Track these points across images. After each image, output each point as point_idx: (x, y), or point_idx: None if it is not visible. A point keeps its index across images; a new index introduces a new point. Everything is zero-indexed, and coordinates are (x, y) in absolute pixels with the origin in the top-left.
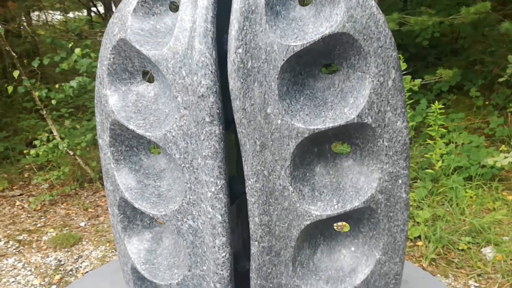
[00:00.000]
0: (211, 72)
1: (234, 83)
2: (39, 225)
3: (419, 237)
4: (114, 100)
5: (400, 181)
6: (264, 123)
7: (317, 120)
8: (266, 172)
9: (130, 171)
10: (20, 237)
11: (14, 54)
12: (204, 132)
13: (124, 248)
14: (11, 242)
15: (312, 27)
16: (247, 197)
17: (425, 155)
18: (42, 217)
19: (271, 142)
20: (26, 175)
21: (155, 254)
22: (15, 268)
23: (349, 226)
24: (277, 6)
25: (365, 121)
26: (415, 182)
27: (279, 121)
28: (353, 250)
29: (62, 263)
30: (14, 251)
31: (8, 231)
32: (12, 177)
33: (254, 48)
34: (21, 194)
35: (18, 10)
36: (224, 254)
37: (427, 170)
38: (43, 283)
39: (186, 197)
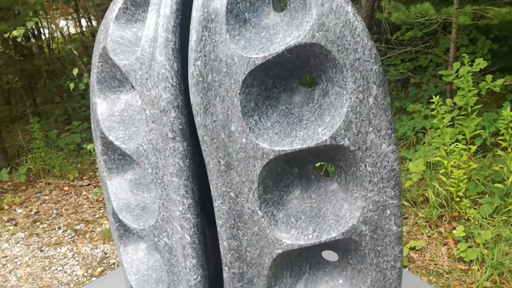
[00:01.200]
0: (172, 85)
1: (194, 98)
2: (97, 216)
3: (476, 260)
4: (102, 109)
5: (388, 211)
6: (228, 142)
7: (285, 140)
8: (233, 194)
9: (122, 180)
10: (78, 227)
11: (76, 53)
12: (168, 148)
13: (120, 256)
14: (68, 231)
15: (282, 37)
16: (216, 220)
17: (496, 167)
18: (101, 208)
19: (237, 162)
20: (96, 166)
21: (146, 266)
22: (65, 257)
23: (338, 256)
24: (246, 13)
25: (341, 143)
26: (482, 197)
27: (243, 140)
28: (341, 282)
29: (107, 256)
30: (69, 240)
31: (69, 220)
32: (84, 167)
33: (214, 60)
34: (88, 185)
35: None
36: (195, 276)
37: (496, 185)
38: (85, 274)
39: (160, 214)
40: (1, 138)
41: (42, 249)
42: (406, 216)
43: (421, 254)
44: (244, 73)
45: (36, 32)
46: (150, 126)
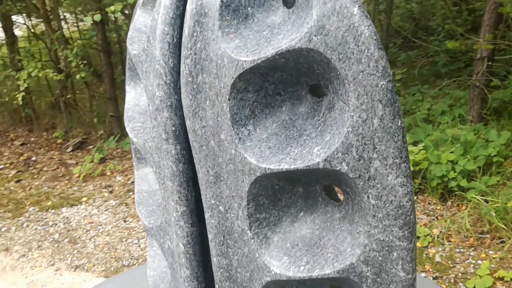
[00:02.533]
0: (165, 82)
1: (183, 99)
2: None
3: None
4: (130, 97)
5: (395, 254)
6: (218, 151)
7: (275, 157)
8: (222, 208)
9: (149, 172)
10: None
11: None
12: (163, 149)
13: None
14: None
15: (280, 39)
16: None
17: None
18: None
19: (227, 175)
20: None
21: (165, 264)
22: (144, 231)
23: None
24: (248, 8)
25: (338, 168)
26: None
27: (232, 151)
28: None
29: None
30: None
31: None
32: None
33: (205, 59)
34: None
35: None
36: (189, 287)
37: None
38: None
39: (164, 216)
40: (116, 106)
41: (126, 219)
42: (504, 240)
43: (509, 286)
44: (233, 77)
45: None
46: (153, 123)
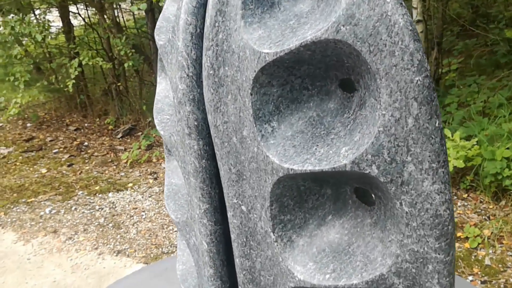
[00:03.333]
0: (187, 75)
1: (205, 93)
2: None
3: None
4: (160, 88)
5: (430, 267)
6: (240, 148)
7: (299, 156)
8: (245, 208)
9: (177, 166)
10: None
11: None
12: (185, 144)
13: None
14: None
15: (306, 29)
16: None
17: None
18: None
19: (249, 173)
20: None
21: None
22: None
23: None
24: None
25: (367, 172)
26: None
27: (255, 149)
28: None
29: None
30: None
31: None
32: None
33: (227, 51)
34: None
35: None
36: (213, 287)
37: None
38: None
39: (189, 211)
40: None
41: None
42: None
43: None
44: (255, 70)
45: None
46: (177, 117)
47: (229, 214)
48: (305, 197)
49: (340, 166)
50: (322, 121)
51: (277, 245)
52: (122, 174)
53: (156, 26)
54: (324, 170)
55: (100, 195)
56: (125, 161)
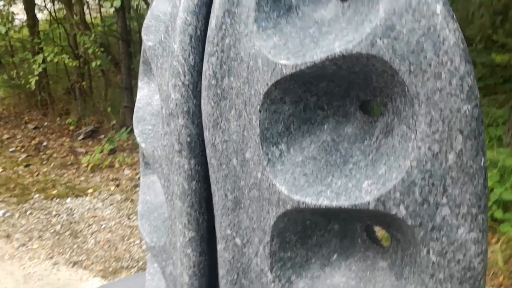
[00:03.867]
0: (183, 83)
1: (204, 106)
2: None
3: None
4: (142, 94)
5: None
6: (240, 172)
7: (312, 187)
8: (239, 240)
9: (157, 181)
10: None
11: None
12: (174, 162)
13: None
14: None
15: (331, 39)
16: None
17: None
18: None
19: (249, 201)
20: None
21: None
22: None
23: None
24: None
25: (393, 213)
26: None
27: (259, 174)
28: None
29: None
30: None
31: None
32: None
33: (234, 59)
34: None
35: None
36: None
37: None
38: None
39: (169, 236)
40: (131, 96)
41: (130, 216)
42: None
43: None
44: (267, 84)
45: None
46: (165, 129)
47: (220, 246)
48: (310, 233)
49: (362, 204)
50: (337, 147)
51: (273, 286)
52: (82, 178)
53: (144, 25)
54: (342, 208)
55: (57, 200)
56: (85, 165)
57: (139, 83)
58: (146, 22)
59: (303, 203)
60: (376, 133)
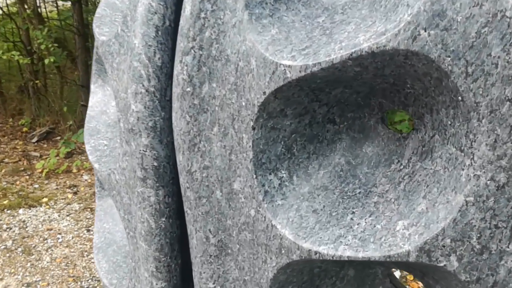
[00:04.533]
0: (146, 90)
1: (176, 121)
2: None
3: None
4: (94, 100)
5: None
6: (227, 208)
7: (324, 232)
8: None
9: (114, 206)
10: None
11: None
12: (136, 192)
13: None
14: None
15: (352, 30)
16: None
17: None
18: None
19: (238, 247)
20: None
21: None
22: None
23: None
24: None
25: (441, 264)
26: None
27: (251, 212)
28: None
29: None
30: None
31: None
32: None
33: (217, 58)
34: None
35: None
36: None
37: None
38: None
39: (132, 281)
40: (89, 94)
41: (89, 228)
42: None
43: None
44: (264, 92)
45: None
46: (124, 148)
47: None
48: (318, 282)
49: (400, 255)
50: (355, 173)
51: None
52: (36, 186)
53: (96, 15)
54: (371, 259)
55: (8, 211)
56: (40, 170)
57: (92, 87)
58: (98, 11)
59: (316, 253)
60: (407, 154)
